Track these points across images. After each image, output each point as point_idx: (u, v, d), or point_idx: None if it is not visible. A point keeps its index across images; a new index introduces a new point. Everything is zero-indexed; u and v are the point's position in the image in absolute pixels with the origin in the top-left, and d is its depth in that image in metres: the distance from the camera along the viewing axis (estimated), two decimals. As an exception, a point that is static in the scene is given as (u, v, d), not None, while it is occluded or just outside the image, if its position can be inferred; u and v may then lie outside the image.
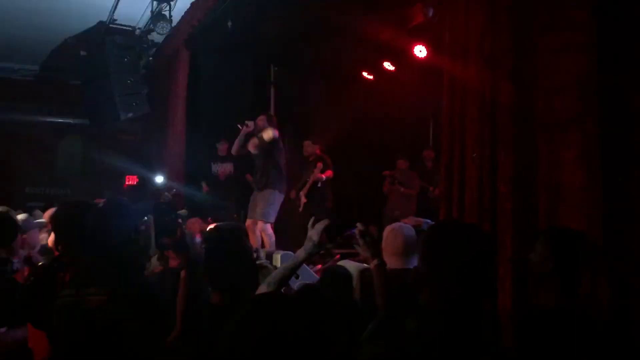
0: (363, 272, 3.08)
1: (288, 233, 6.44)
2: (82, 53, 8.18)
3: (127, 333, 1.94)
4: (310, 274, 3.69)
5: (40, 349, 2.34)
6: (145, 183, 9.16)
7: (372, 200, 7.96)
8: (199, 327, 2.36)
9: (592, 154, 2.77)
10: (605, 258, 2.61)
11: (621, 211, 2.66)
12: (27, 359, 2.42)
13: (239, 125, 5.92)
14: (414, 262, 2.45)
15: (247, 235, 2.47)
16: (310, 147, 7.40)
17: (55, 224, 2.61)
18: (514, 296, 3.05)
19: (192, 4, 7.10)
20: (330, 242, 1.94)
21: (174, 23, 7.24)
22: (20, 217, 3.56)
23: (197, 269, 2.87)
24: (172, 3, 7.06)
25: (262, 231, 5.70)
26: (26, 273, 2.96)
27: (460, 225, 2.04)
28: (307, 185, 7.20)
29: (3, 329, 2.53)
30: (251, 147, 5.89)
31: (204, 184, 7.78)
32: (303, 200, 7.19)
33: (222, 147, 7.63)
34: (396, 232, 2.91)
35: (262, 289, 1.89)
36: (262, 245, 5.58)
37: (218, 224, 2.80)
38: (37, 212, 4.92)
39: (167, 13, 7.13)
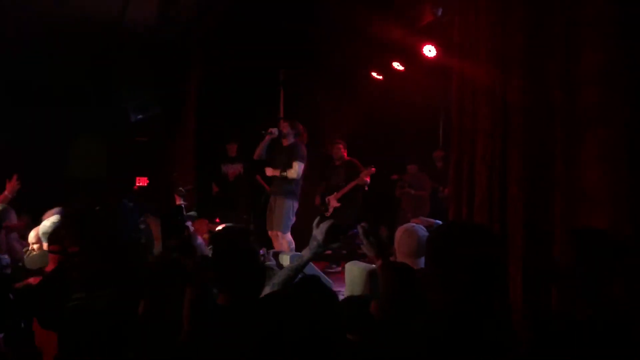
0: (371, 273, 3.07)
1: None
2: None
3: (135, 334, 1.95)
4: (318, 274, 3.68)
5: (49, 350, 2.35)
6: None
7: (383, 201, 7.92)
8: (205, 328, 2.35)
9: (617, 150, 2.68)
10: (635, 259, 2.46)
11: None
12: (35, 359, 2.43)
13: (262, 132, 5.98)
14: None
15: (254, 237, 2.47)
16: (340, 151, 7.11)
17: (65, 227, 2.62)
18: (524, 296, 3.00)
19: (203, 4, 7.11)
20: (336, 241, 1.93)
21: (185, 23, 7.25)
22: None
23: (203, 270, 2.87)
24: (182, 3, 7.08)
25: (282, 239, 5.83)
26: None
27: (466, 225, 2.02)
28: (345, 190, 6.88)
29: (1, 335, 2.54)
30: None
31: (213, 185, 7.80)
32: (334, 204, 6.94)
33: (231, 148, 7.64)
34: (410, 233, 2.86)
35: (267, 290, 1.88)
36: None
37: (226, 225, 2.80)
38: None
39: (177, 14, 7.15)
